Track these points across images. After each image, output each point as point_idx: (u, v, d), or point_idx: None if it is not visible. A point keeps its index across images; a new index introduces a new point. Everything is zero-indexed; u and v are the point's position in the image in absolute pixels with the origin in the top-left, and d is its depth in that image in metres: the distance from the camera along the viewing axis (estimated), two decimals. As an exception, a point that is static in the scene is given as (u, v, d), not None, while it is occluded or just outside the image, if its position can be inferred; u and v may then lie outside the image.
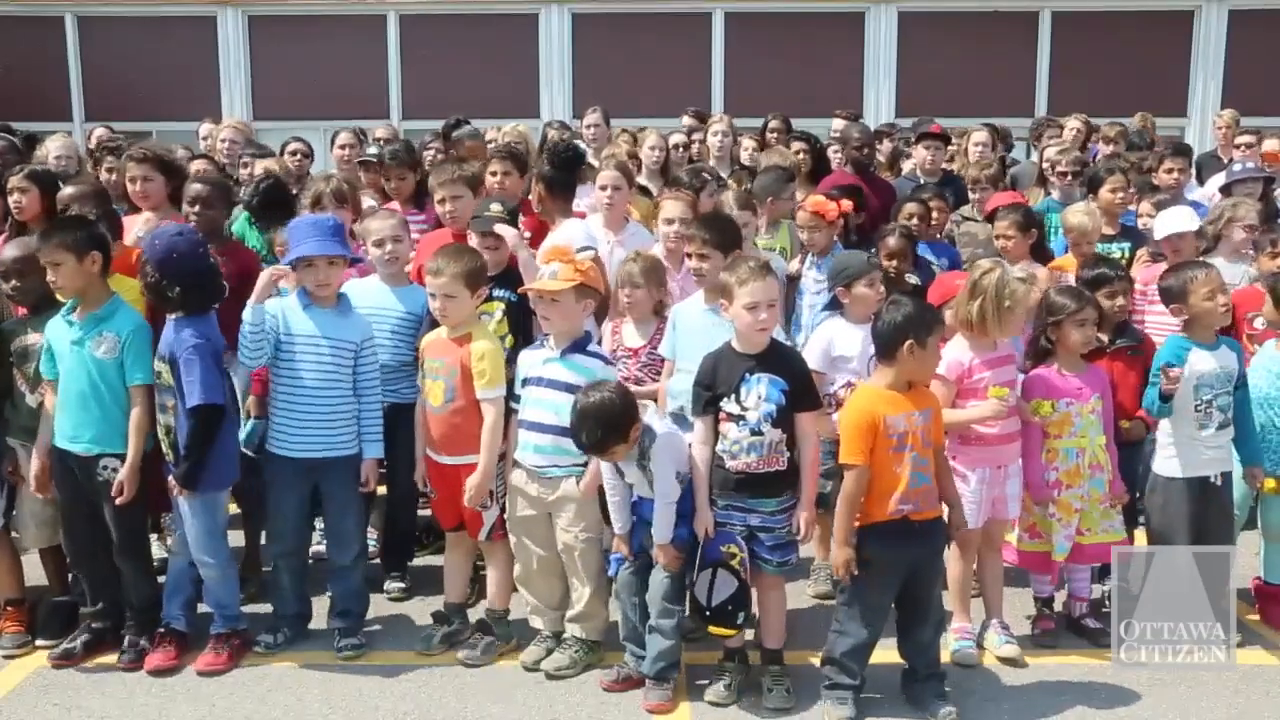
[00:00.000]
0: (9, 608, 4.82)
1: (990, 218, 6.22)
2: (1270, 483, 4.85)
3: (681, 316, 4.75)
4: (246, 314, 4.48)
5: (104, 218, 4.99)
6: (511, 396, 4.53)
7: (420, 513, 5.41)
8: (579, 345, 4.44)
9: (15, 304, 4.85)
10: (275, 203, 5.85)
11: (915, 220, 6.22)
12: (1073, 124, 8.97)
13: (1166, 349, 4.71)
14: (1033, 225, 5.86)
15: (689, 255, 4.79)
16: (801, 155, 7.71)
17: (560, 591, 4.59)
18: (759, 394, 4.08)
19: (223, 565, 4.59)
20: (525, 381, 4.49)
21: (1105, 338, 4.90)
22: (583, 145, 7.30)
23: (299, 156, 8.02)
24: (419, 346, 4.76)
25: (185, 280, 4.39)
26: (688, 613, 4.27)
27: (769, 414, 4.07)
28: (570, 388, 4.31)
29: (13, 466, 4.78)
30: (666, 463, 4.11)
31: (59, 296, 4.53)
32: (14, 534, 4.91)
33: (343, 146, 8.25)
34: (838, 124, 9.43)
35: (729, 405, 4.11)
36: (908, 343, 3.98)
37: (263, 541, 5.19)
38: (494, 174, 6.03)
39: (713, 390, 4.15)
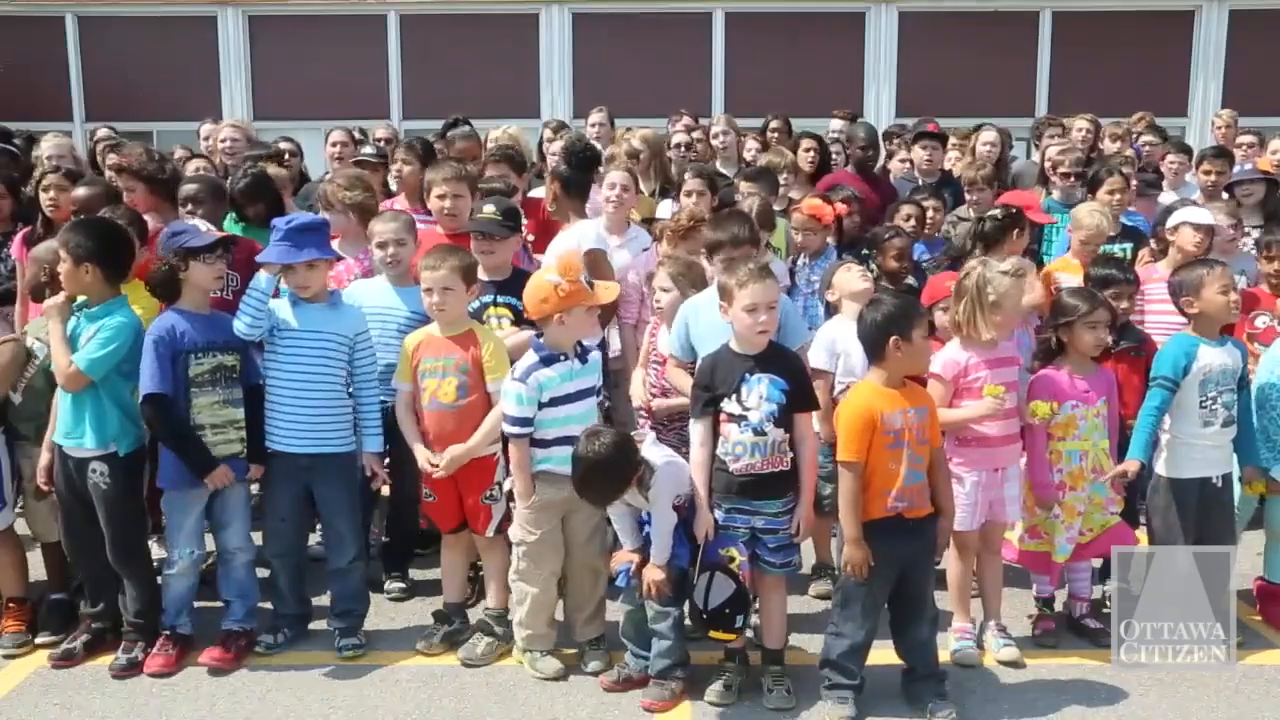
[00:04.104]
0: (11, 604, 4.83)
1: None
2: (1259, 485, 4.85)
3: (697, 314, 4.53)
4: (258, 282, 4.50)
5: (135, 221, 4.99)
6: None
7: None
8: (584, 351, 4.41)
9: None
10: (259, 196, 5.84)
11: (912, 221, 6.22)
12: (1080, 124, 8.78)
13: (1173, 346, 4.67)
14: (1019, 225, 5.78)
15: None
16: (811, 154, 7.71)
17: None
18: (760, 394, 4.07)
19: (253, 553, 4.72)
20: (555, 400, 4.32)
21: (1109, 339, 4.88)
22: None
23: (288, 156, 7.96)
24: (406, 347, 4.65)
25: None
26: (687, 616, 4.26)
27: (771, 413, 4.06)
28: (588, 392, 4.40)
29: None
30: (665, 494, 4.10)
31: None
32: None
33: (335, 145, 8.13)
34: (835, 124, 9.43)
35: (730, 406, 4.10)
36: (893, 339, 4.01)
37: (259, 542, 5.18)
38: (492, 177, 6.01)
39: (712, 391, 4.14)
